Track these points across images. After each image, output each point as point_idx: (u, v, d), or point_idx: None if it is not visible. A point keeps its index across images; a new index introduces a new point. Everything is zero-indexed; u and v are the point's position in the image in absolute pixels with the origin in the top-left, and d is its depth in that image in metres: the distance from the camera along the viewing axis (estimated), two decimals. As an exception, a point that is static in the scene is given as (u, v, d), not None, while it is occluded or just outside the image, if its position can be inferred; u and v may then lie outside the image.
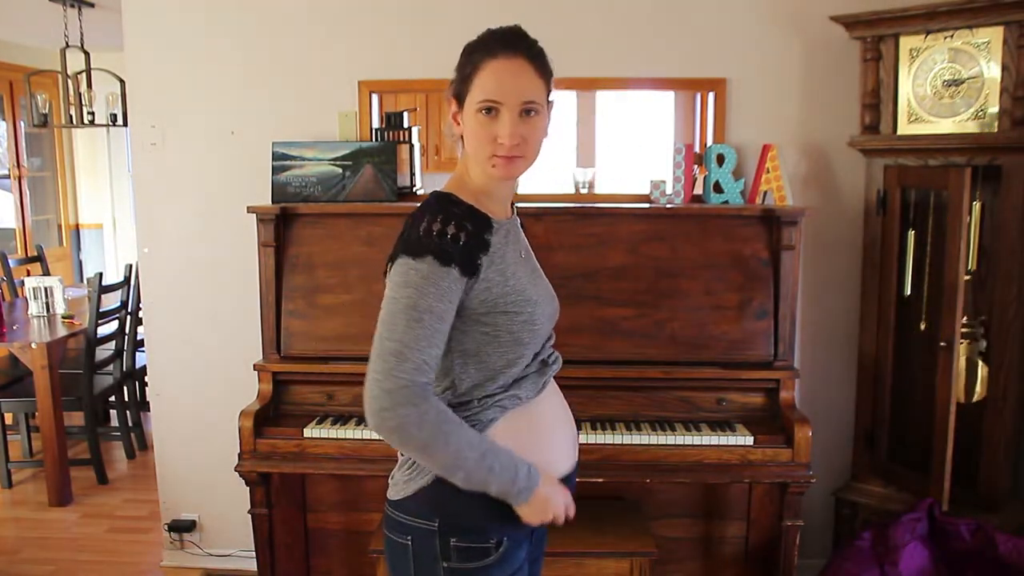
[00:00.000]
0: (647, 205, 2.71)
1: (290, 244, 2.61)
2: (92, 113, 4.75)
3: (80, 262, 7.22)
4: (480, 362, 1.44)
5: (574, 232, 2.55)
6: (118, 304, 4.33)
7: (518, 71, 1.41)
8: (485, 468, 1.36)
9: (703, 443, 2.35)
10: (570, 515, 1.49)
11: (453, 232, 1.36)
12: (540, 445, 1.50)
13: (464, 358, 1.44)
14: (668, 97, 4.12)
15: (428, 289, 1.33)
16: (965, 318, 2.52)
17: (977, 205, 2.41)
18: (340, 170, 2.74)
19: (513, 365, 1.46)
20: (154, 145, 2.97)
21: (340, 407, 2.54)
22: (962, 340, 2.54)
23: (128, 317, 4.42)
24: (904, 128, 2.55)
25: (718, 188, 2.71)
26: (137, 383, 4.63)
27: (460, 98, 1.45)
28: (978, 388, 2.50)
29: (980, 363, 2.49)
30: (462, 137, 1.48)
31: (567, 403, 1.62)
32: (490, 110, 1.40)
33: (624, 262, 2.55)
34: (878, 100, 2.58)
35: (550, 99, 1.49)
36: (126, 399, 4.48)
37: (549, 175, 3.28)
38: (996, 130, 2.37)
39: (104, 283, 4.10)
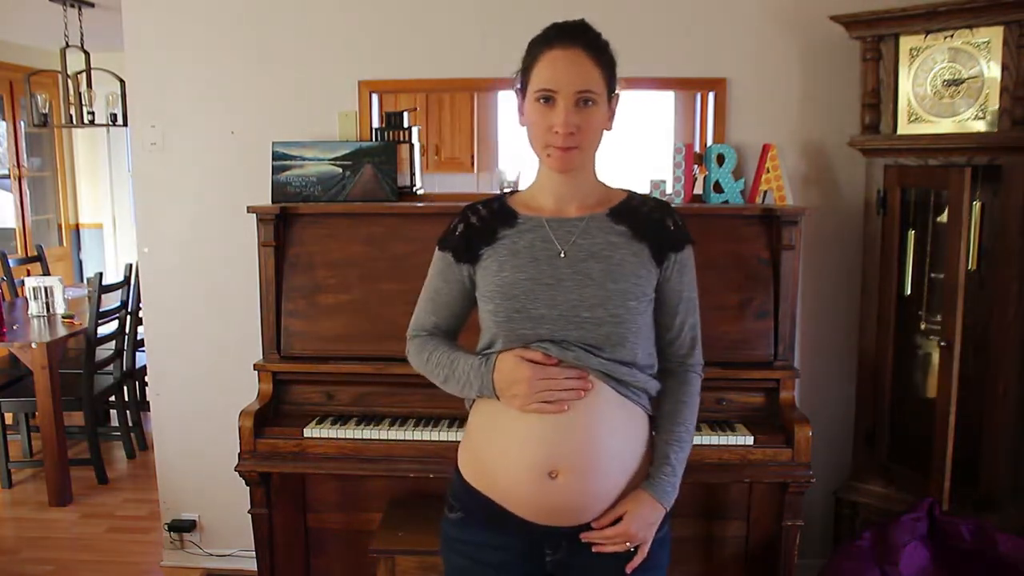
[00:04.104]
0: (647, 205, 2.70)
1: (290, 244, 2.61)
2: (92, 113, 4.75)
3: (80, 262, 7.22)
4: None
5: (574, 232, 2.55)
6: (118, 304, 4.33)
7: (574, 60, 1.43)
8: (454, 382, 1.55)
9: (703, 443, 2.35)
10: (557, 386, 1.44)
11: (456, 223, 1.58)
12: (491, 443, 1.50)
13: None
14: (668, 97, 4.12)
15: (432, 270, 1.62)
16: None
17: (977, 205, 2.41)
18: (340, 170, 2.74)
19: (487, 348, 1.53)
20: (154, 145, 2.98)
21: (340, 407, 2.54)
22: (930, 337, 2.58)
23: (128, 317, 4.42)
24: (904, 128, 2.55)
25: (718, 188, 2.71)
26: (137, 383, 4.63)
27: (523, 91, 1.49)
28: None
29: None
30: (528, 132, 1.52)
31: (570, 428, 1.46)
32: (547, 99, 1.43)
33: (624, 262, 2.54)
34: (878, 100, 2.58)
35: (615, 92, 1.50)
36: (126, 399, 4.48)
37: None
38: (996, 130, 2.37)
39: (104, 283, 4.10)
